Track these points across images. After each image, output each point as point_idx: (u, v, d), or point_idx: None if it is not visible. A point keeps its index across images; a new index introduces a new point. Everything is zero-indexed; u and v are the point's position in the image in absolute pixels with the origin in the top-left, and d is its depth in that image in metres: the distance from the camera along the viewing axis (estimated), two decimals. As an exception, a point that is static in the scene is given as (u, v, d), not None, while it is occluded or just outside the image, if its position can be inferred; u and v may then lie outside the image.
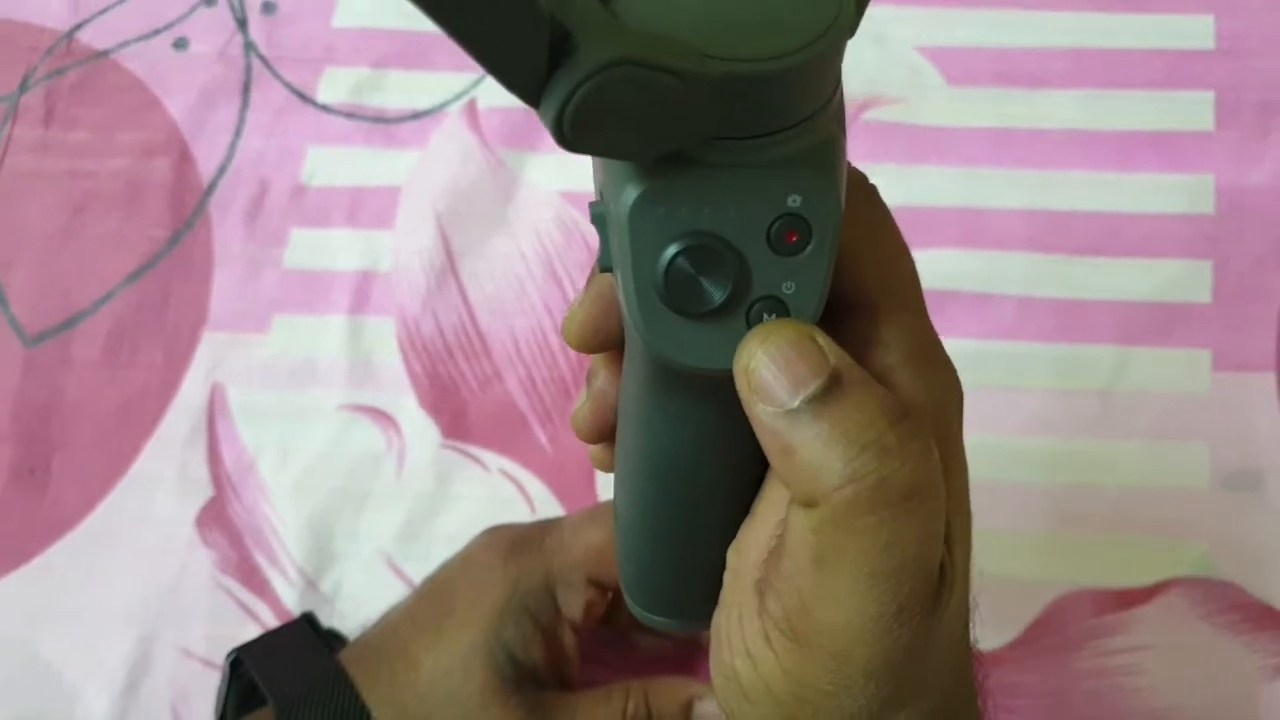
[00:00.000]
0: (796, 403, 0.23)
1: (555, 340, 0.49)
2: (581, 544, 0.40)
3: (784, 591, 0.24)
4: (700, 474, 0.27)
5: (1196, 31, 0.52)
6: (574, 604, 0.40)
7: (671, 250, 0.22)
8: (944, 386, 0.26)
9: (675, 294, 0.22)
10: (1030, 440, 0.46)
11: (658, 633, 0.44)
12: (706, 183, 0.21)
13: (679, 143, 0.21)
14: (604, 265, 0.23)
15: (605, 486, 0.47)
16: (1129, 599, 0.44)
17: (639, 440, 0.28)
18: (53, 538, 0.48)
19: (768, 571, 0.25)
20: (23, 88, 0.56)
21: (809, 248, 0.22)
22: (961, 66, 0.52)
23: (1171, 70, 0.51)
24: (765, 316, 0.23)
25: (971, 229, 0.49)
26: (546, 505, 0.47)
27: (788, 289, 0.23)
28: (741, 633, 0.26)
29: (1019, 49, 0.52)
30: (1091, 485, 0.45)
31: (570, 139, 0.20)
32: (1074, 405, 0.47)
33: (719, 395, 0.24)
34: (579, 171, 0.52)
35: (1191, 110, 0.51)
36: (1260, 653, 0.43)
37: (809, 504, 0.23)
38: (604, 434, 0.30)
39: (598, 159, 0.23)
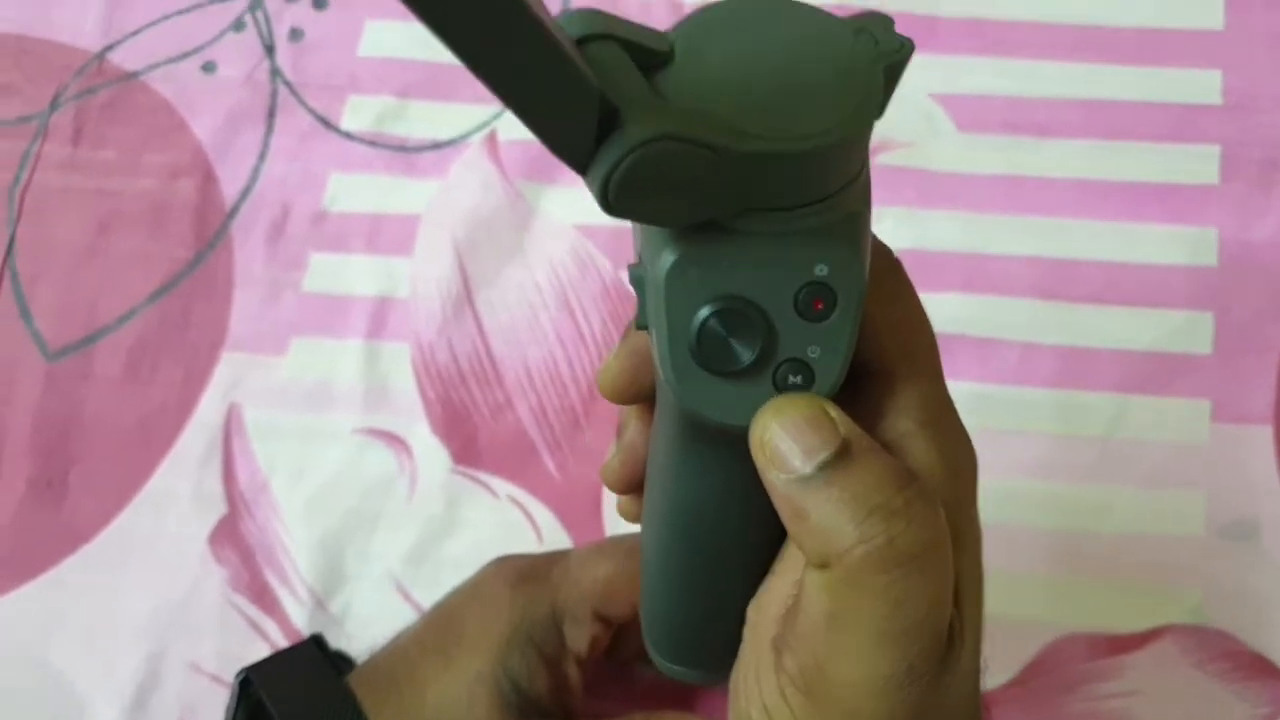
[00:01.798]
0: (809, 470, 0.24)
1: (567, 370, 0.50)
2: (588, 578, 0.41)
3: (799, 649, 0.26)
4: (724, 528, 0.29)
5: (1204, 86, 0.53)
6: (579, 637, 0.41)
7: (704, 312, 0.23)
8: (958, 452, 0.27)
9: (707, 353, 0.24)
10: (1030, 484, 0.47)
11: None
12: (739, 250, 0.23)
13: (714, 212, 0.22)
14: (640, 324, 0.25)
15: (611, 516, 0.48)
16: (1123, 644, 0.44)
17: (666, 492, 0.29)
18: (68, 550, 0.49)
19: (785, 629, 0.26)
20: (53, 106, 0.57)
21: (834, 314, 0.24)
22: (972, 113, 0.53)
23: (1178, 124, 0.52)
24: (791, 378, 0.24)
25: (978, 274, 0.50)
26: (553, 533, 0.48)
27: (813, 353, 0.24)
28: (759, 687, 0.27)
29: (1029, 98, 0.53)
30: (1089, 530, 0.46)
31: (614, 206, 0.21)
32: (1074, 451, 0.47)
33: (744, 452, 0.26)
34: (594, 206, 0.53)
35: (1197, 164, 0.51)
36: (1250, 702, 0.43)
37: (822, 565, 0.24)
38: (632, 485, 0.31)
39: (636, 228, 0.25)
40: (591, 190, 0.21)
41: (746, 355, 0.24)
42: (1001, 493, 0.46)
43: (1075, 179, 0.52)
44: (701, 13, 0.23)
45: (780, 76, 0.22)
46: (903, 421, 0.26)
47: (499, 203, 0.53)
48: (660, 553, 0.31)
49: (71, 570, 0.49)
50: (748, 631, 0.29)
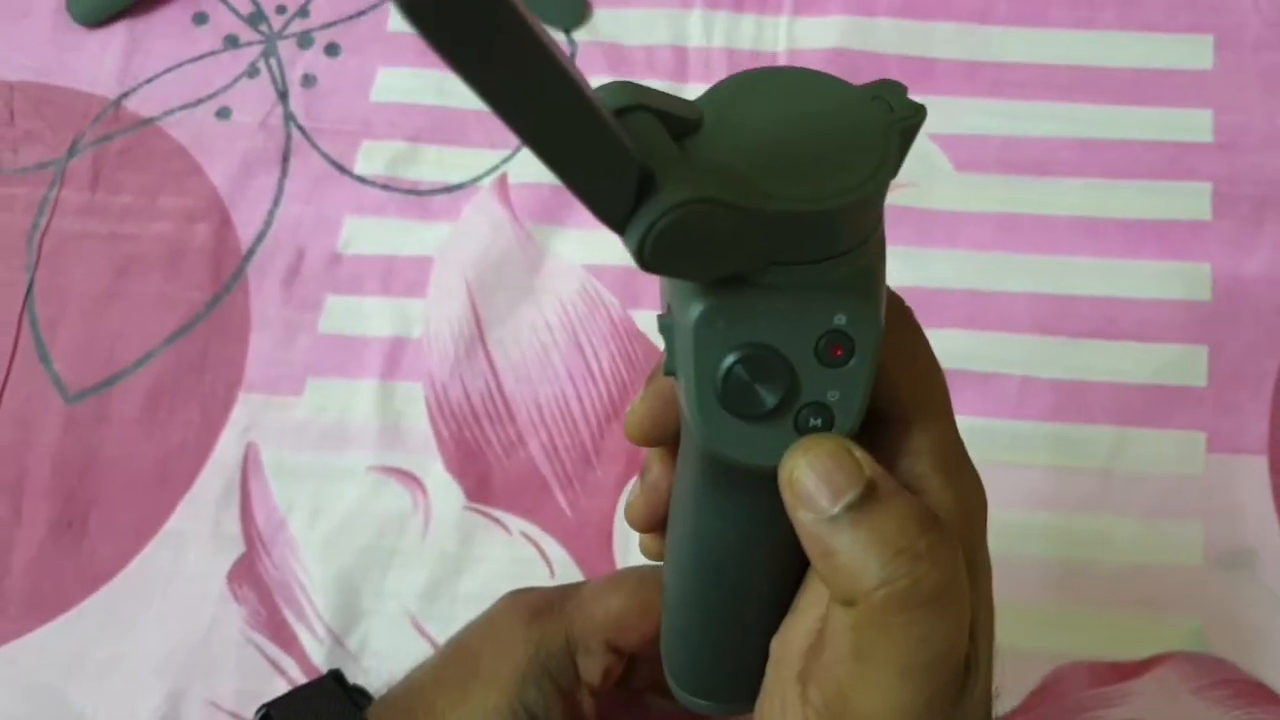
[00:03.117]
0: (836, 510, 0.25)
1: (577, 407, 0.52)
2: (601, 610, 0.41)
3: (824, 682, 0.27)
4: (746, 564, 0.30)
5: (1196, 125, 0.54)
6: (593, 668, 0.41)
7: (730, 359, 0.25)
8: (971, 493, 0.28)
9: (732, 398, 0.25)
10: (1032, 515, 0.48)
11: (672, 697, 0.45)
12: (763, 301, 0.24)
13: (741, 267, 0.24)
14: (668, 370, 0.26)
15: (622, 552, 0.49)
16: (1124, 672, 0.45)
17: (689, 530, 0.30)
18: (88, 591, 0.50)
19: (809, 662, 0.28)
20: (71, 152, 0.58)
21: (852, 360, 0.25)
22: (970, 153, 0.55)
23: (1171, 162, 0.54)
24: (812, 420, 0.26)
25: (978, 310, 0.52)
26: (565, 568, 0.49)
27: (832, 396, 0.25)
28: (784, 718, 0.28)
29: (1026, 138, 0.55)
30: (1090, 560, 0.47)
31: (650, 262, 0.22)
32: (1074, 483, 0.48)
33: (767, 492, 0.27)
34: (602, 246, 0.54)
35: (1190, 201, 0.53)
36: (1250, 727, 0.44)
37: (848, 603, 0.26)
38: (655, 524, 0.32)
39: (664, 281, 0.26)
40: (628, 248, 0.22)
41: (770, 399, 0.25)
42: (1003, 524, 0.47)
43: (1071, 216, 0.53)
44: (727, 83, 0.25)
45: (802, 142, 0.24)
46: (919, 464, 0.27)
47: (509, 244, 0.55)
48: (683, 588, 0.32)
49: (91, 610, 0.50)
50: (771, 666, 0.30)
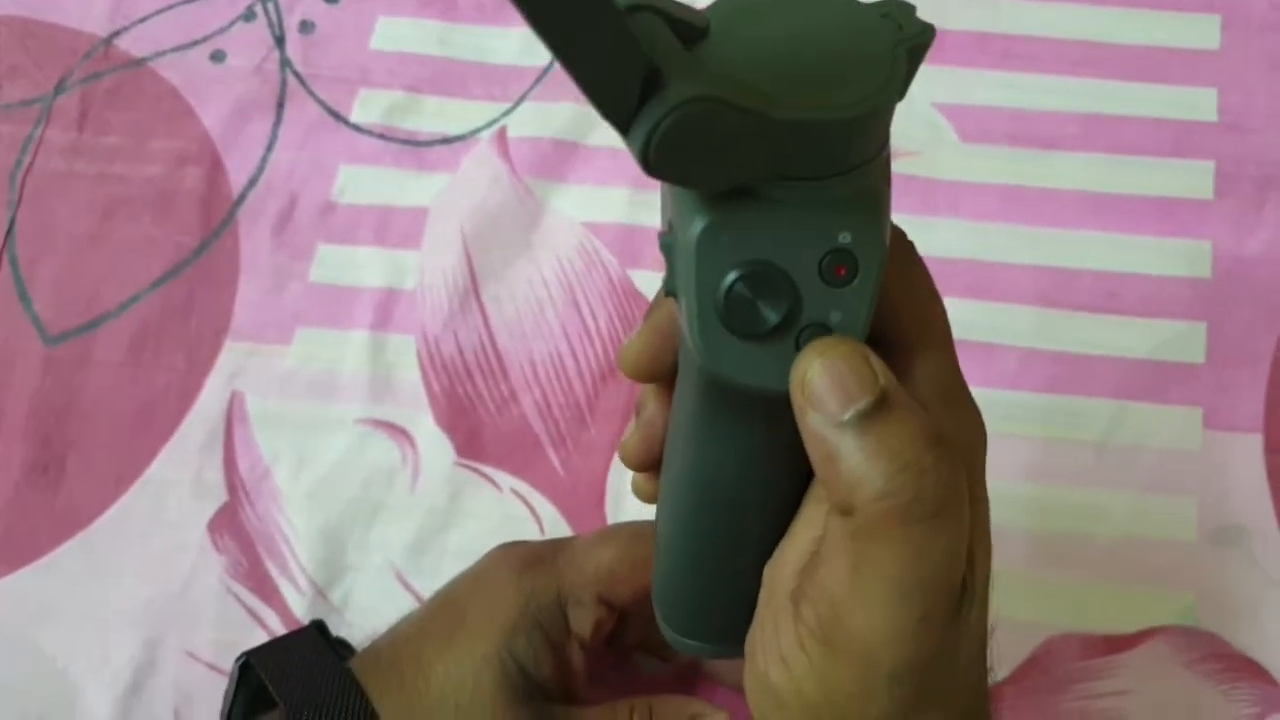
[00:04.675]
0: (846, 416, 0.25)
1: (572, 365, 0.51)
2: (593, 563, 0.41)
3: (818, 599, 0.26)
4: (743, 494, 0.29)
5: (1201, 104, 0.54)
6: (584, 621, 0.41)
7: (732, 275, 0.24)
8: (970, 424, 0.28)
9: (734, 316, 0.25)
10: (1028, 486, 0.48)
11: (662, 657, 0.45)
12: (767, 217, 0.24)
13: (746, 177, 0.23)
14: (668, 290, 0.26)
15: (614, 511, 0.48)
16: (1115, 644, 0.45)
17: (686, 464, 0.30)
18: (63, 537, 0.49)
19: (803, 581, 0.27)
20: (58, 90, 0.57)
21: (856, 280, 0.25)
22: (977, 124, 0.54)
23: (1176, 140, 0.54)
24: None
25: (980, 281, 0.51)
26: (556, 527, 0.48)
27: (835, 318, 0.25)
28: (777, 640, 0.27)
29: (1033, 111, 0.54)
30: (1085, 533, 0.47)
31: (654, 163, 0.22)
32: (1071, 455, 0.48)
33: (766, 416, 0.27)
34: (603, 203, 0.54)
35: (1193, 179, 0.53)
36: (1239, 702, 0.44)
37: (845, 511, 0.25)
38: (650, 462, 0.32)
39: (668, 196, 0.26)
40: (632, 148, 0.22)
41: (772, 317, 0.25)
42: (999, 495, 0.46)
43: (1076, 191, 0.53)
44: None
45: (810, 54, 0.24)
46: (920, 392, 0.27)
47: (507, 198, 0.54)
48: (678, 524, 0.31)
49: (66, 557, 0.49)
50: (764, 592, 0.29)
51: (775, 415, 0.26)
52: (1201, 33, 0.56)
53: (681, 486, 0.30)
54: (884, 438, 0.25)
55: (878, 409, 0.25)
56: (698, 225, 0.24)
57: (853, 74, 0.23)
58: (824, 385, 0.25)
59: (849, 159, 0.24)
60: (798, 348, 0.25)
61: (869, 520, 0.25)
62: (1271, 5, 0.56)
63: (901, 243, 0.27)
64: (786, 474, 0.28)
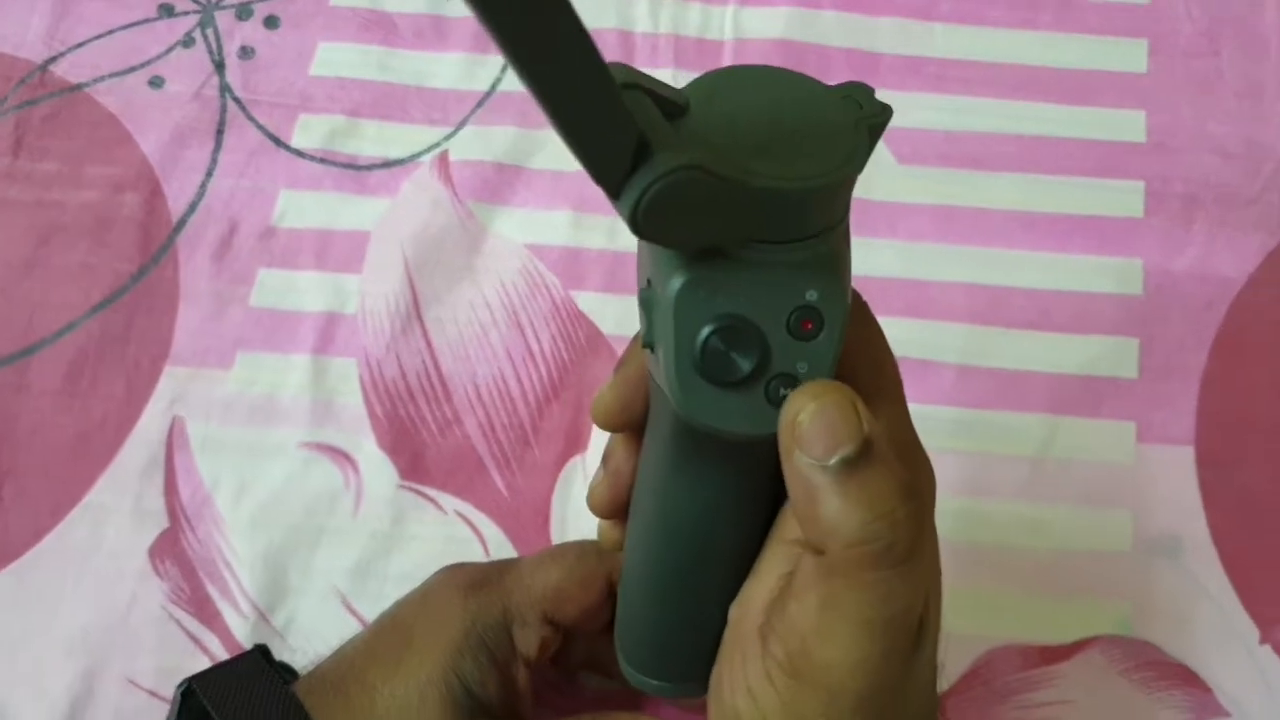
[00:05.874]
0: (831, 461, 0.26)
1: (516, 387, 0.51)
2: (539, 583, 0.41)
3: (786, 634, 0.28)
4: (711, 536, 0.31)
5: (1129, 125, 0.56)
6: (529, 641, 0.41)
7: (708, 329, 0.26)
8: (924, 472, 0.31)
9: (709, 365, 0.27)
10: (965, 501, 0.49)
11: (608, 674, 0.45)
12: (741, 276, 0.26)
13: (723, 240, 0.25)
14: (646, 342, 0.28)
15: (559, 531, 0.49)
16: (1053, 655, 0.46)
17: (656, 505, 0.32)
18: (-2, 565, 0.48)
19: (771, 616, 0.29)
20: (-7, 116, 0.57)
21: (821, 334, 0.27)
22: (912, 146, 0.55)
23: (1106, 160, 0.55)
24: (782, 390, 0.27)
25: (916, 300, 0.52)
26: (501, 548, 0.48)
27: (801, 368, 0.27)
28: (745, 673, 0.29)
29: (966, 133, 0.56)
30: (1022, 546, 0.48)
31: (641, 224, 0.24)
32: (1007, 470, 0.49)
33: (734, 462, 0.29)
34: (545, 226, 0.54)
35: (1123, 198, 0.54)
36: (1174, 708, 0.45)
37: (819, 550, 0.27)
38: (617, 509, 0.34)
39: (646, 255, 0.28)
40: (622, 212, 0.24)
41: (745, 367, 0.27)
42: (939, 510, 0.48)
43: (1009, 210, 0.54)
44: (710, 75, 0.27)
45: (781, 130, 0.26)
46: None
47: (449, 221, 0.54)
48: (647, 566, 0.33)
49: (1, 586, 0.48)
50: (730, 630, 0.31)
51: (743, 461, 0.28)
52: (1129, 57, 0.57)
53: (651, 530, 0.32)
54: (865, 485, 0.26)
55: (860, 457, 0.26)
56: (677, 282, 0.26)
57: (819, 149, 0.25)
58: (814, 429, 0.26)
59: (815, 225, 0.26)
60: (767, 396, 0.27)
61: (842, 563, 0.26)
62: (1197, 31, 0.58)
63: (858, 303, 0.30)
64: (751, 518, 0.30)
